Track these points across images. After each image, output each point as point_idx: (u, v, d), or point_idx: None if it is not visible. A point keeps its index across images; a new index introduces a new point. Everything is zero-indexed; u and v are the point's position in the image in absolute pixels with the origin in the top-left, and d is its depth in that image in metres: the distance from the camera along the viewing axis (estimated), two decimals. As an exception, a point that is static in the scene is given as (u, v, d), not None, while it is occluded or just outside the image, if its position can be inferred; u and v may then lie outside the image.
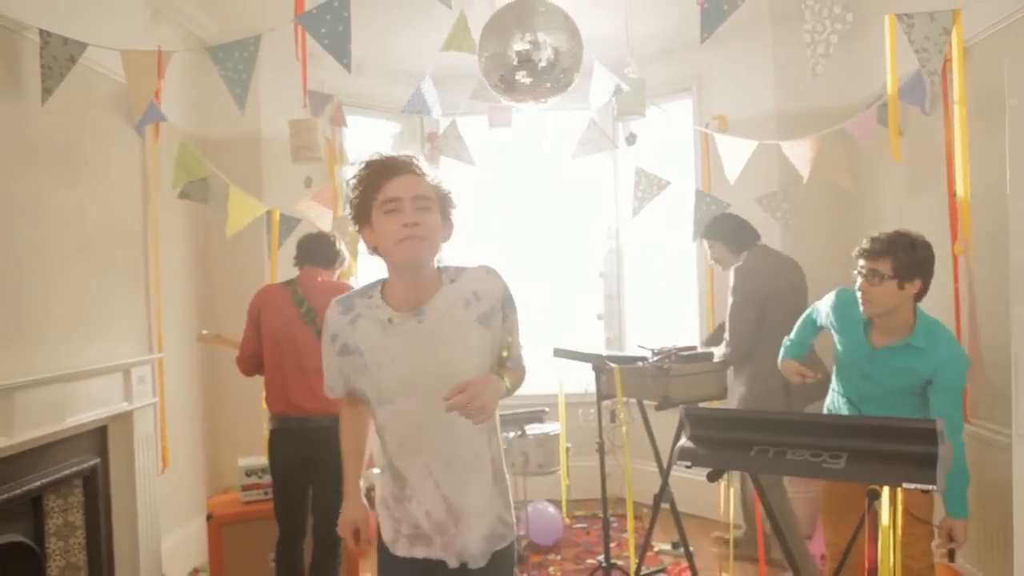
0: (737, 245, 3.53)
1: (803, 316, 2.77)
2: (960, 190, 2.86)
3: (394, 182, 1.61)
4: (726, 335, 3.48)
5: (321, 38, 2.59)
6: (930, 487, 1.79)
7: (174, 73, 3.51)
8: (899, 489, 1.88)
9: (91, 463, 3.03)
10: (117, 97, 3.29)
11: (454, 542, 1.70)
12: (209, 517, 3.30)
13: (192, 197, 3.64)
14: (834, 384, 2.63)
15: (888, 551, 1.94)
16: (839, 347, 2.56)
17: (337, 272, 3.25)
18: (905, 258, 2.27)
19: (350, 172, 4.46)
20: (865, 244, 2.34)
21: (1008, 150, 2.09)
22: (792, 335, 2.79)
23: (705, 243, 3.67)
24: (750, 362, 3.42)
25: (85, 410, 2.91)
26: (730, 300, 3.46)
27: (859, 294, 2.35)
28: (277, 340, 2.98)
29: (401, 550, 1.74)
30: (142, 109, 2.93)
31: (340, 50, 2.58)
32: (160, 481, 3.49)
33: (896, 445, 1.88)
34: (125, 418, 3.20)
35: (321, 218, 3.77)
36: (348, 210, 1.70)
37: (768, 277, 3.41)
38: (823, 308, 2.64)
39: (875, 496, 1.93)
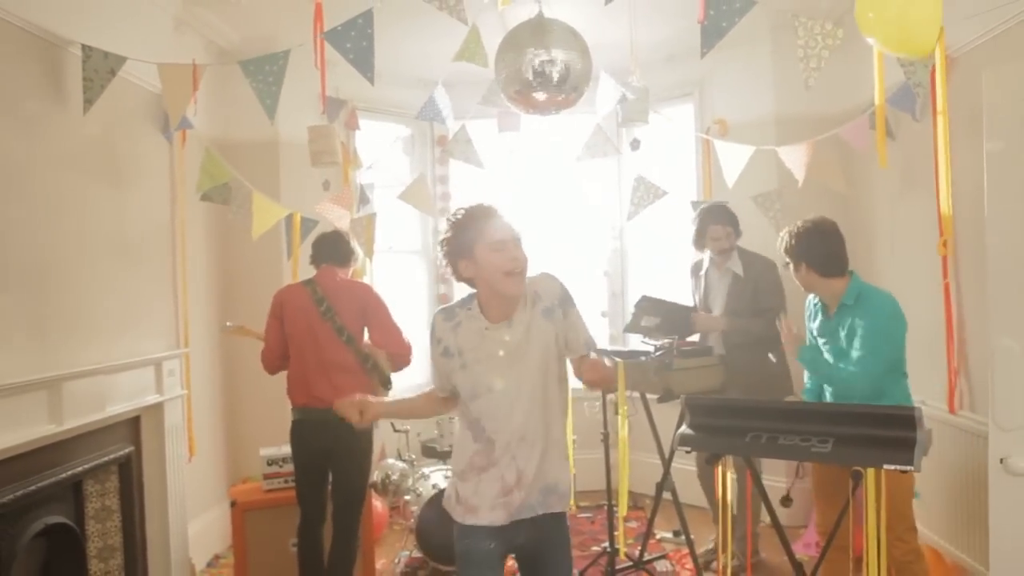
0: (737, 240, 3.69)
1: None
2: (943, 197, 3.02)
3: (498, 225, 1.98)
4: (767, 311, 3.53)
5: (346, 53, 2.76)
6: (908, 468, 1.97)
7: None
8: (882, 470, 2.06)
9: (126, 451, 3.21)
10: (148, 105, 3.48)
11: (513, 502, 2.03)
12: (233, 504, 3.45)
13: (214, 199, 3.81)
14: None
15: (873, 528, 2.11)
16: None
17: (352, 269, 3.40)
18: (784, 250, 2.75)
19: (364, 175, 4.63)
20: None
21: (986, 180, 2.26)
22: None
23: (724, 228, 3.65)
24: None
25: (122, 401, 3.10)
26: (765, 287, 3.58)
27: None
28: (299, 337, 3.12)
29: (470, 519, 2.06)
30: (178, 118, 3.10)
31: (364, 64, 2.75)
32: (185, 470, 3.66)
33: (878, 430, 2.06)
34: (157, 409, 3.38)
35: (340, 220, 3.93)
36: (442, 247, 2.05)
37: None
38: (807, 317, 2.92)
39: (859, 477, 2.10)
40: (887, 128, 3.51)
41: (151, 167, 3.54)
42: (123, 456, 3.18)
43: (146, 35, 3.44)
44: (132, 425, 3.29)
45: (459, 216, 2.02)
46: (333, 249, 3.27)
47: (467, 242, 1.98)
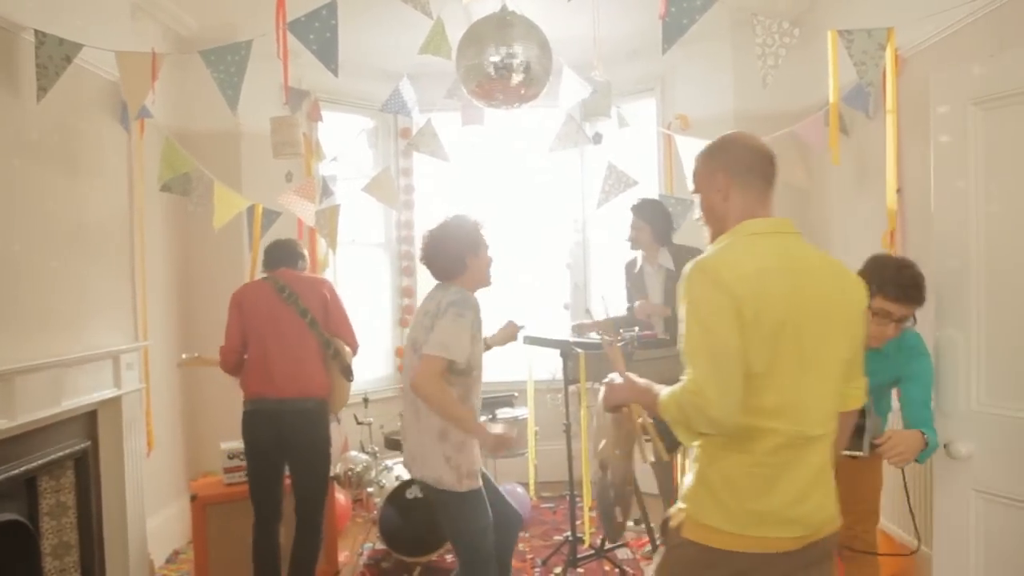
0: (661, 236, 3.69)
1: None
2: (888, 193, 3.12)
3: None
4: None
5: (310, 44, 2.74)
6: (858, 453, 2.04)
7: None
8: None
9: (82, 446, 3.14)
10: (105, 93, 3.40)
11: (413, 469, 2.62)
12: (193, 498, 3.42)
13: (173, 190, 3.75)
14: None
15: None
16: None
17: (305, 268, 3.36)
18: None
19: (327, 167, 4.60)
20: (900, 290, 2.25)
21: (932, 176, 2.34)
22: None
23: (632, 219, 3.71)
24: None
25: (78, 395, 3.03)
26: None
27: (876, 337, 2.30)
28: (260, 325, 3.09)
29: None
30: (136, 108, 3.04)
31: (328, 56, 2.73)
32: (143, 465, 3.60)
33: (830, 418, 2.12)
34: (114, 403, 3.32)
35: (303, 211, 3.90)
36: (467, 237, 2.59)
37: None
38: None
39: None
40: (842, 125, 3.62)
41: (109, 157, 3.46)
42: (79, 451, 3.11)
43: (102, 21, 3.36)
44: (89, 419, 3.22)
45: (478, 224, 2.61)
46: (285, 254, 3.27)
47: (480, 242, 2.58)
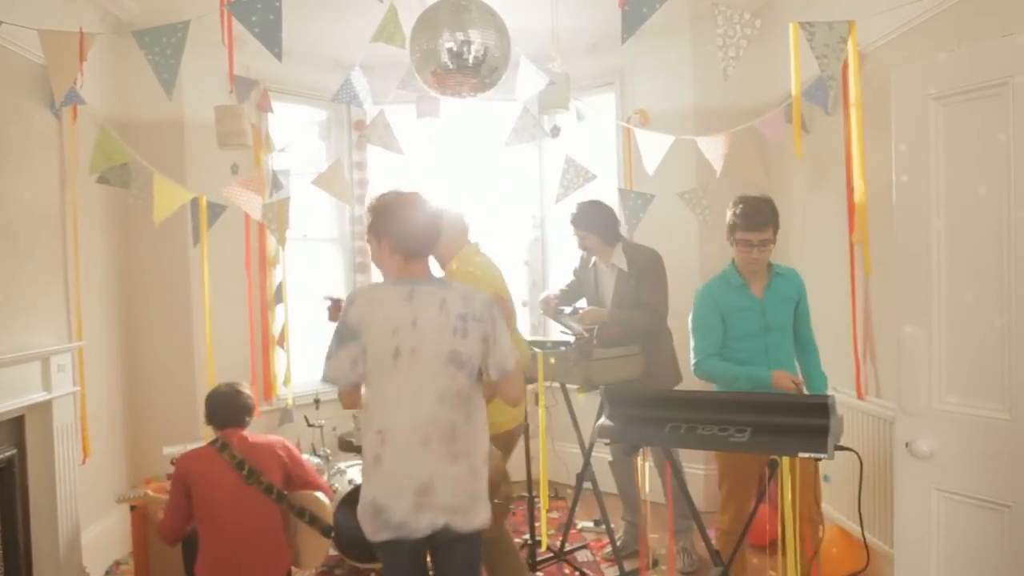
0: (608, 237, 3.60)
1: (701, 330, 2.82)
2: (857, 186, 3.10)
3: None
4: (647, 305, 3.51)
5: (252, 26, 2.58)
6: (821, 455, 1.99)
7: (92, 53, 3.42)
8: (796, 458, 2.08)
9: (7, 454, 2.94)
10: (32, 77, 3.19)
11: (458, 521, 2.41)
12: (133, 507, 3.25)
13: (112, 182, 3.55)
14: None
15: (790, 514, 2.14)
16: (733, 326, 2.79)
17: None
18: (777, 219, 2.73)
19: (277, 159, 4.43)
20: (746, 220, 2.69)
21: (894, 171, 2.31)
22: (708, 349, 2.80)
23: (575, 229, 3.64)
24: (660, 335, 3.57)
25: (1, 399, 2.83)
26: (647, 280, 3.50)
27: (747, 263, 2.75)
28: (219, 514, 2.76)
29: None
30: (63, 92, 2.83)
31: (271, 39, 2.58)
32: (79, 472, 3.41)
33: (794, 418, 2.07)
34: (44, 408, 3.11)
35: (249, 204, 3.73)
36: (366, 219, 2.26)
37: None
38: (706, 308, 2.81)
39: (775, 465, 2.12)
40: (802, 122, 3.60)
41: (37, 145, 3.25)
42: (3, 460, 2.91)
43: (31, 1, 3.15)
44: (14, 426, 3.01)
45: (381, 200, 2.27)
46: (236, 410, 2.94)
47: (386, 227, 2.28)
